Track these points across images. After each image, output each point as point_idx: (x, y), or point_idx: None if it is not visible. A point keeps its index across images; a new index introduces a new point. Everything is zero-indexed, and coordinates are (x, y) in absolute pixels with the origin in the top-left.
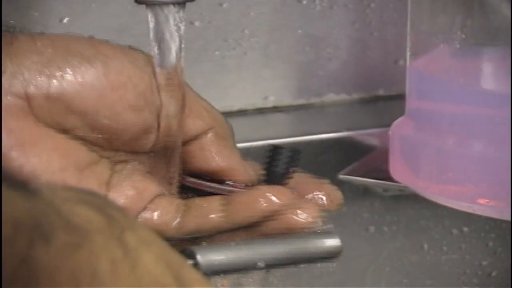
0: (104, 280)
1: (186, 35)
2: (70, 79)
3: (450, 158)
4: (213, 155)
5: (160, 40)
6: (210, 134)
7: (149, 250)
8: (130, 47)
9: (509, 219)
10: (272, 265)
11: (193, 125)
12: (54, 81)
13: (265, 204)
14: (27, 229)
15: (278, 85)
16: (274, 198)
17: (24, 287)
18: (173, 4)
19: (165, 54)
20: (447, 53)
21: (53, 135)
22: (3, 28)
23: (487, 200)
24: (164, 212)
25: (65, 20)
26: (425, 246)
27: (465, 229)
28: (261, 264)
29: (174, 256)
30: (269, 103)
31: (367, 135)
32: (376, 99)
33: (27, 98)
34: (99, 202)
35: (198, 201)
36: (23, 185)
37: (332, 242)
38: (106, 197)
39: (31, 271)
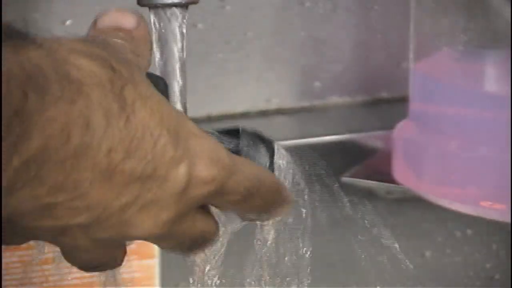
0: (96, 133)
1: (189, 38)
2: None
3: (453, 161)
4: None
5: (163, 42)
6: None
7: (145, 104)
8: None
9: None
10: None
11: None
12: None
13: None
14: (19, 82)
15: (281, 87)
16: None
17: (16, 139)
18: (176, 6)
19: (167, 57)
20: (450, 56)
21: None
22: None
23: (490, 203)
24: None
25: (67, 22)
26: (428, 248)
27: (468, 231)
28: None
29: (173, 112)
30: (272, 106)
31: (370, 138)
32: (379, 101)
33: None
34: (107, 55)
35: None
36: (20, 38)
37: None
38: (117, 48)
39: (23, 123)
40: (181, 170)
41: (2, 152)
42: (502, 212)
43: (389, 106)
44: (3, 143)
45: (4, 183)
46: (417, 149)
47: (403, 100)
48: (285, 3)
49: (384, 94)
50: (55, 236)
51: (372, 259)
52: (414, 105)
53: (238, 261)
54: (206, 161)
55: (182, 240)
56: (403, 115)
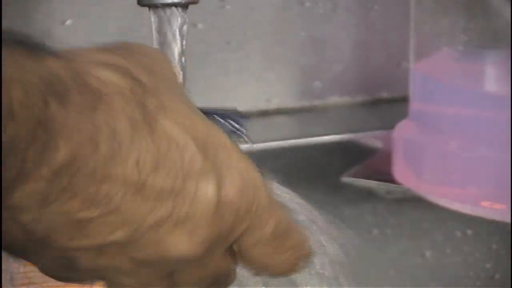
0: (124, 141)
1: (189, 38)
2: None
3: (453, 161)
4: None
5: (163, 42)
6: None
7: (169, 115)
8: None
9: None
10: None
11: None
12: None
13: None
14: (39, 90)
15: (281, 87)
16: None
17: (43, 149)
18: (176, 6)
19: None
20: (450, 56)
21: None
22: None
23: (490, 203)
24: None
25: (67, 22)
26: (428, 248)
27: (468, 231)
28: None
29: (201, 122)
30: (272, 106)
31: (370, 138)
32: (379, 101)
33: None
34: (127, 65)
35: None
36: (37, 48)
37: None
38: (140, 58)
39: (48, 132)
40: (211, 183)
41: (29, 164)
42: (502, 212)
43: (389, 106)
44: (27, 154)
45: (36, 197)
46: (417, 149)
47: (403, 100)
48: (285, 3)
49: (384, 94)
50: (94, 259)
51: (372, 259)
52: (414, 105)
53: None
54: (236, 175)
55: (209, 273)
56: (403, 115)
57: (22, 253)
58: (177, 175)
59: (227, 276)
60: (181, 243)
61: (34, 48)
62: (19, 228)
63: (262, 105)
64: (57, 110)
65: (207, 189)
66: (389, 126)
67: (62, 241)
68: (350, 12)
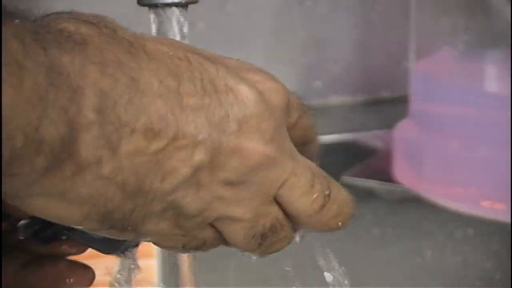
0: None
1: (189, 37)
2: None
3: (454, 161)
4: None
5: None
6: None
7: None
8: None
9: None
10: None
11: None
12: None
13: None
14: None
15: None
16: None
17: (70, 99)
18: (176, 6)
19: None
20: (451, 55)
21: None
22: None
23: (490, 203)
24: None
25: None
26: (429, 248)
27: (468, 231)
28: None
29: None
30: None
31: (371, 137)
32: (380, 101)
33: None
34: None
35: None
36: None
37: None
38: None
39: (68, 85)
40: (245, 84)
41: (68, 113)
42: (502, 212)
43: (389, 105)
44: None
45: (99, 142)
46: (417, 149)
47: (403, 100)
48: (285, 3)
49: (385, 94)
50: (196, 196)
51: (372, 259)
52: (414, 105)
53: (245, 261)
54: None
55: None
56: (403, 114)
57: (134, 224)
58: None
59: (274, 228)
60: (257, 142)
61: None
62: (114, 187)
63: None
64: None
65: (244, 90)
66: (390, 125)
67: (156, 185)
68: (350, 12)
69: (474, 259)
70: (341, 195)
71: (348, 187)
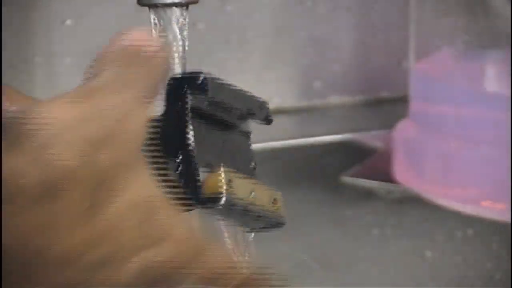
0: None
1: (189, 37)
2: None
3: (453, 161)
4: None
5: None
6: None
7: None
8: None
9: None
10: None
11: None
12: None
13: None
14: None
15: (281, 87)
16: None
17: None
18: (176, 6)
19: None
20: (450, 55)
21: None
22: None
23: (490, 203)
24: None
25: (67, 22)
26: (428, 248)
27: (468, 231)
28: None
29: (155, 193)
30: (272, 105)
31: (370, 137)
32: (379, 101)
33: None
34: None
35: None
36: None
37: None
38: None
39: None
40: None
41: None
42: (502, 212)
43: (389, 105)
44: None
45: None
46: (417, 149)
47: (403, 100)
48: (285, 3)
49: (384, 94)
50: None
51: (372, 259)
52: (414, 105)
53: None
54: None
55: None
56: (403, 114)
57: None
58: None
59: None
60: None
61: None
62: None
63: None
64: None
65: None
66: (389, 126)
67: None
68: (350, 12)
69: (474, 259)
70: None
71: (348, 187)
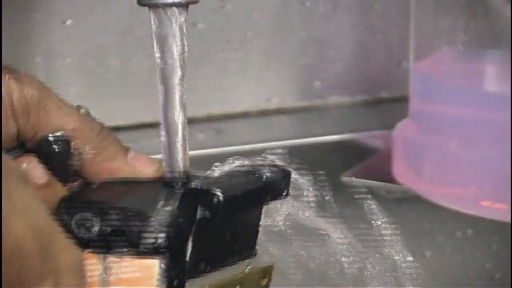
0: None
1: (189, 38)
2: None
3: (453, 161)
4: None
5: (163, 42)
6: None
7: (20, 217)
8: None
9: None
10: None
11: None
12: None
13: None
14: None
15: (281, 87)
16: None
17: None
18: (176, 6)
19: (167, 57)
20: (450, 55)
21: None
22: None
23: (490, 203)
24: None
25: (68, 22)
26: (428, 248)
27: (469, 231)
28: None
29: (46, 224)
30: (272, 105)
31: (370, 137)
32: (379, 101)
33: None
34: None
35: None
36: None
37: None
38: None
39: None
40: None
41: None
42: (502, 212)
43: (389, 105)
44: None
45: None
46: (417, 149)
47: (403, 100)
48: (285, 3)
49: (384, 94)
50: None
51: (372, 259)
52: (414, 105)
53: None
54: (72, 276)
55: None
56: (403, 114)
57: None
58: (17, 276)
59: None
60: None
61: None
62: None
63: (262, 105)
64: None
65: None
66: (389, 126)
67: None
68: (350, 12)
69: (474, 259)
70: None
71: (348, 187)
